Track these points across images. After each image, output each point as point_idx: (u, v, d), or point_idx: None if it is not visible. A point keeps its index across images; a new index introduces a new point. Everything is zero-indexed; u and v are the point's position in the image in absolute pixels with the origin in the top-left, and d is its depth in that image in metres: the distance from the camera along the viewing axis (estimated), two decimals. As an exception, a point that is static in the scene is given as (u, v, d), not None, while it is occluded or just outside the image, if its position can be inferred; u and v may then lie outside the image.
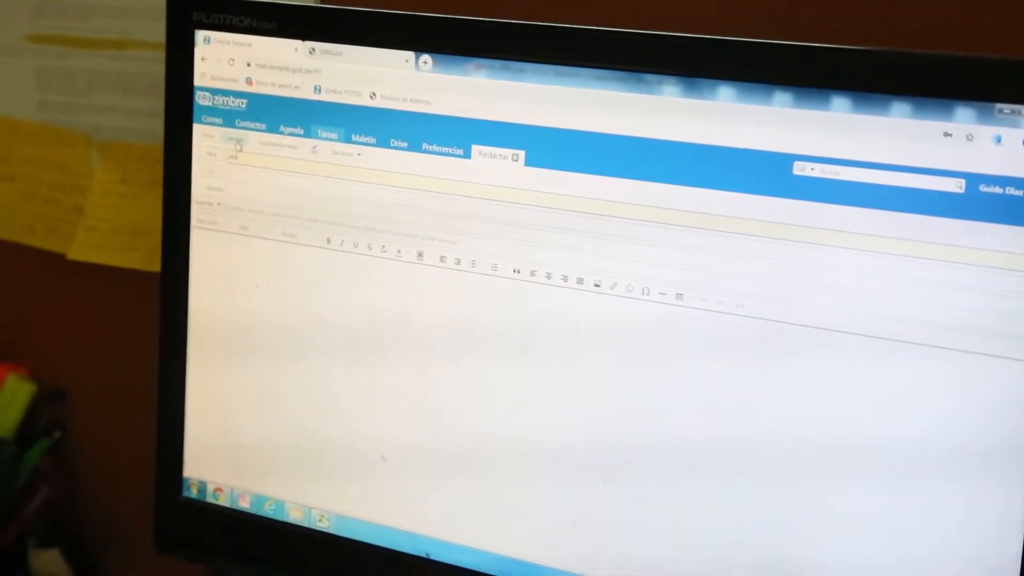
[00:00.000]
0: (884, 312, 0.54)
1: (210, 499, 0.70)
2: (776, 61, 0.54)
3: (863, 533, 0.55)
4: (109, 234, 0.85)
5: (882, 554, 0.55)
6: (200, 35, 0.65)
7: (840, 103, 0.53)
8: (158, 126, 0.67)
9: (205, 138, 0.66)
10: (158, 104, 0.67)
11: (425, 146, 0.61)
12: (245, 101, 0.65)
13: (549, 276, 0.60)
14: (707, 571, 0.59)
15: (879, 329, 0.54)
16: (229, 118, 0.65)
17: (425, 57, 0.61)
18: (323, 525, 0.67)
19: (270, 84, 0.64)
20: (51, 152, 0.87)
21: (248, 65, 0.64)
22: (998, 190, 0.51)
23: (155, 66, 0.77)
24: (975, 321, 0.52)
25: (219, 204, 0.66)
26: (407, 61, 0.61)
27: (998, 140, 0.51)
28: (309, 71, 0.63)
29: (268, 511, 0.68)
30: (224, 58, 0.65)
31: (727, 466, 0.57)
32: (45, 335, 0.92)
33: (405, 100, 0.61)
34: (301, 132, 0.64)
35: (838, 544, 0.56)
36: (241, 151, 0.65)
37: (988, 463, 0.53)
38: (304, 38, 0.63)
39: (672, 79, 0.56)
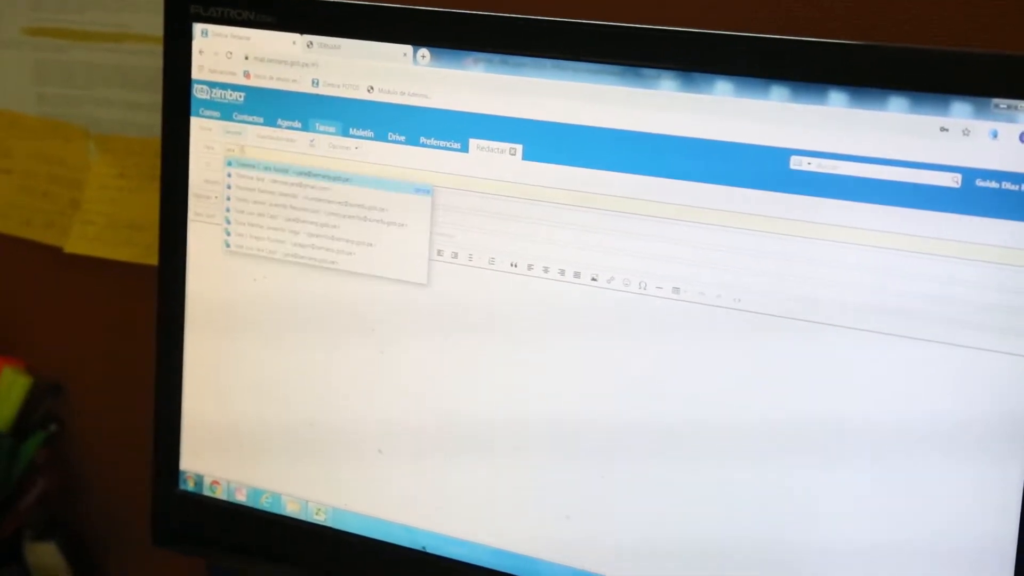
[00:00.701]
0: (881, 306, 0.54)
1: (207, 492, 0.70)
2: (773, 56, 0.54)
3: (862, 522, 0.55)
4: (106, 228, 0.85)
5: (882, 540, 0.55)
6: (198, 28, 0.65)
7: (837, 98, 0.53)
8: (156, 120, 0.67)
9: (203, 131, 0.66)
10: (156, 98, 0.67)
11: (423, 140, 0.61)
12: (243, 94, 0.65)
13: (546, 270, 0.60)
14: (705, 561, 0.59)
15: (876, 323, 0.54)
16: (227, 111, 0.65)
17: (423, 51, 0.61)
18: (320, 518, 0.67)
19: (268, 77, 0.64)
20: (49, 145, 0.87)
21: (246, 58, 0.64)
22: (994, 185, 0.51)
23: (153, 59, 0.77)
24: (971, 316, 0.52)
25: (216, 197, 0.66)
26: (405, 55, 0.61)
27: (994, 135, 0.51)
28: (307, 64, 0.63)
29: (265, 504, 0.68)
30: (222, 51, 0.65)
31: (727, 460, 0.57)
32: (42, 328, 0.92)
33: (403, 94, 0.61)
34: (299, 125, 0.64)
35: (836, 532, 0.56)
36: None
37: (986, 457, 0.53)
38: (302, 31, 0.63)
39: (670, 73, 0.56)
